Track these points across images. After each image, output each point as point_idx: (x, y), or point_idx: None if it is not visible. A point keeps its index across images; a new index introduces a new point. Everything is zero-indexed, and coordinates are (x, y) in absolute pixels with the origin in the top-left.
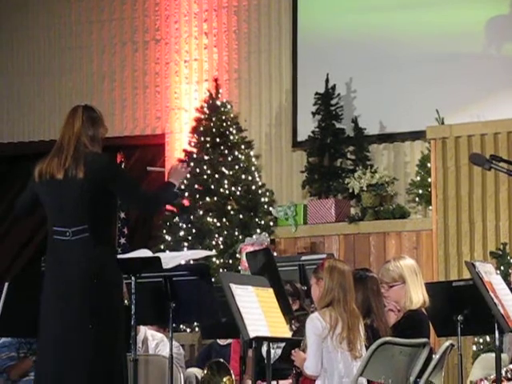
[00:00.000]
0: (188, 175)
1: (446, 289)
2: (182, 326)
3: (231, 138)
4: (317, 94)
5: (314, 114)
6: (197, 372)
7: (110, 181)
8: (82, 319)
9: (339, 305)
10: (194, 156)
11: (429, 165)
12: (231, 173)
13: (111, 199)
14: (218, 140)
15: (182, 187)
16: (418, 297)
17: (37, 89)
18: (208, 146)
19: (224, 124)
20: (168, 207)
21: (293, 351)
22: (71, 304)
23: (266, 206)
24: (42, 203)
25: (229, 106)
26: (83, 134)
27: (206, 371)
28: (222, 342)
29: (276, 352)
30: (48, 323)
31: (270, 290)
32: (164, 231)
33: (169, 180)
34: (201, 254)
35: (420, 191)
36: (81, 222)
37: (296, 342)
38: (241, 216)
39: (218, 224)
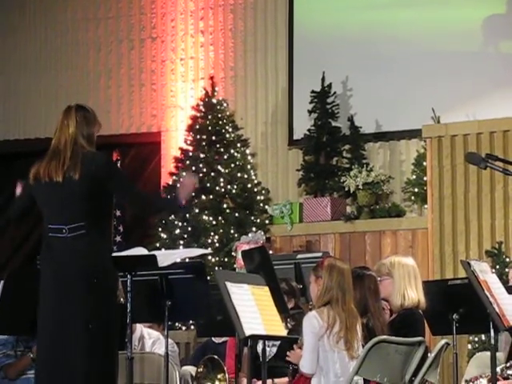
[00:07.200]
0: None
1: (441, 288)
2: (177, 323)
3: (227, 136)
4: (313, 92)
5: (310, 112)
6: (192, 370)
7: (106, 180)
8: (79, 318)
9: (337, 304)
10: (190, 154)
11: (424, 163)
12: (227, 171)
13: (108, 197)
14: (213, 138)
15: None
16: (412, 295)
17: (33, 86)
18: (204, 144)
19: (220, 122)
20: None
21: (290, 352)
22: (69, 302)
23: (261, 204)
24: (38, 203)
25: (225, 104)
26: (79, 136)
27: (200, 368)
28: (217, 340)
29: (271, 350)
30: (46, 322)
31: (266, 289)
32: (159, 229)
33: (178, 193)
34: (196, 252)
35: (416, 190)
36: (77, 220)
37: (291, 340)
38: (236, 214)
39: (214, 222)
